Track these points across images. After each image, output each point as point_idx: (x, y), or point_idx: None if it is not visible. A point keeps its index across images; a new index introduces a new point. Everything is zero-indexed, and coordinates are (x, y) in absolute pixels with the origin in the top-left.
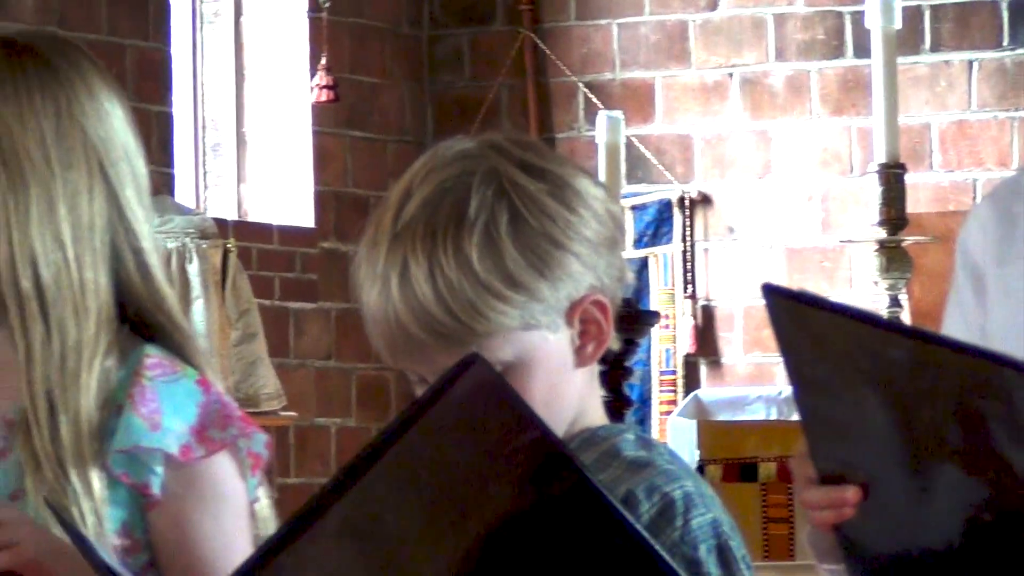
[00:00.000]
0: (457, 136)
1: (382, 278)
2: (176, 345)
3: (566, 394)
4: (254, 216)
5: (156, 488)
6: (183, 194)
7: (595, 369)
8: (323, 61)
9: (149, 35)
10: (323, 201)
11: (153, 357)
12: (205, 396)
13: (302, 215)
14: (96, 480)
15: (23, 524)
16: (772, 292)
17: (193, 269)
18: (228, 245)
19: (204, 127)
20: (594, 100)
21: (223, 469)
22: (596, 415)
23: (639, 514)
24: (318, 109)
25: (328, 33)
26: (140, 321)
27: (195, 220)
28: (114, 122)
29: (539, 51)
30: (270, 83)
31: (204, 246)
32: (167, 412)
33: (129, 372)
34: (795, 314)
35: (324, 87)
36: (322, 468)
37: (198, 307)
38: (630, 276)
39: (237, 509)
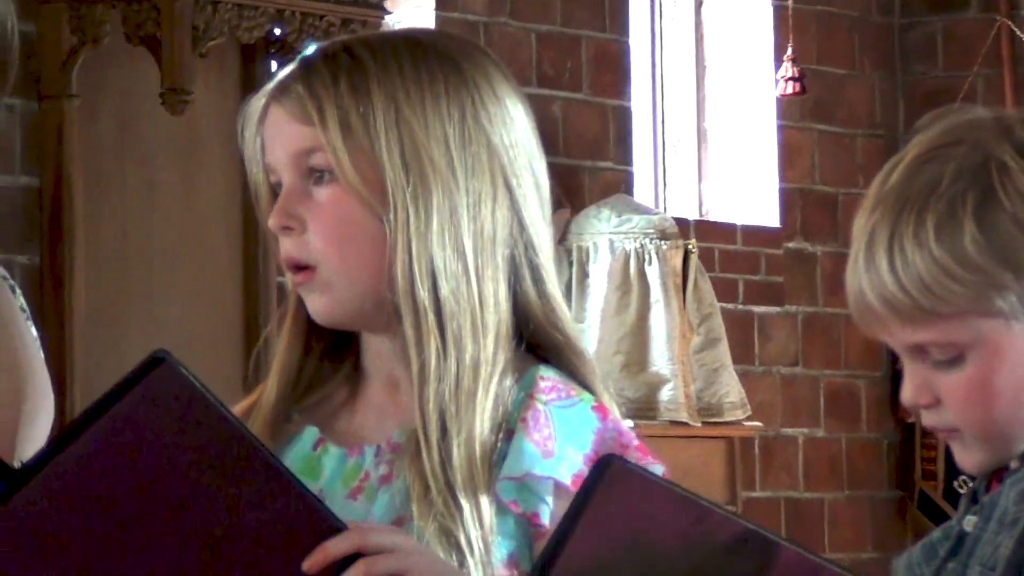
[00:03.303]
0: (975, 106)
1: (855, 246)
2: (571, 368)
3: None
4: (716, 215)
5: (546, 518)
6: (642, 192)
7: None
8: (788, 51)
9: (606, 26)
10: (788, 199)
11: (548, 380)
12: (602, 423)
13: (767, 214)
14: (486, 508)
15: (415, 553)
16: None
17: (653, 271)
18: (689, 246)
19: (663, 122)
20: None
21: None
22: None
23: None
24: (783, 102)
25: (794, 22)
26: (534, 341)
27: (655, 220)
28: (518, 128)
29: (1016, 39)
30: (732, 75)
31: (664, 247)
32: (561, 439)
33: (523, 394)
34: None
35: (790, 79)
36: (789, 480)
37: (657, 311)
38: None
39: None
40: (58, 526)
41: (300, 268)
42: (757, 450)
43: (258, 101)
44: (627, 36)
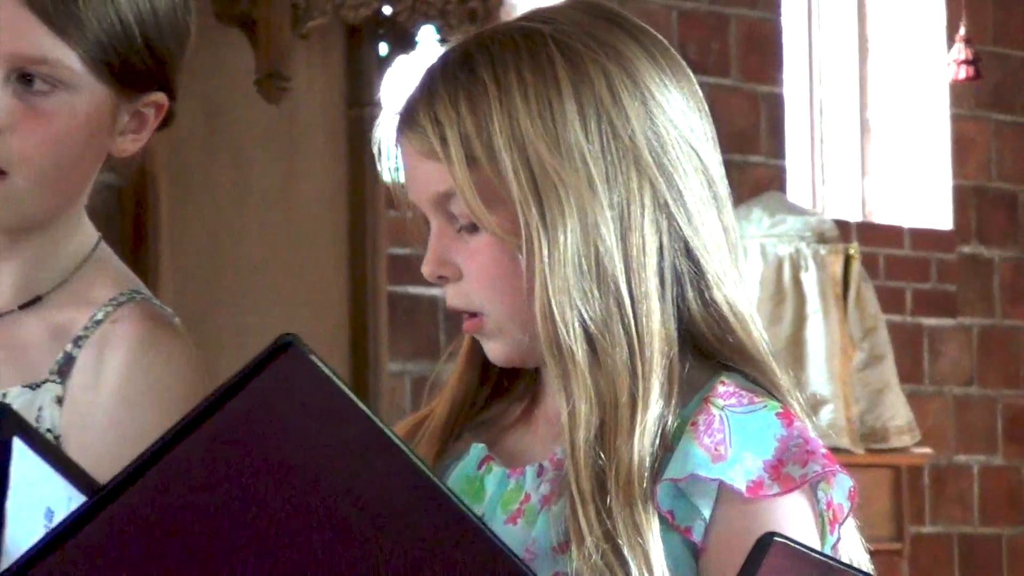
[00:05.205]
0: None
1: None
2: (752, 377)
3: None
4: (880, 217)
5: (698, 535)
6: (796, 191)
7: None
8: (961, 31)
9: (757, 3)
10: (962, 198)
11: (728, 385)
12: (786, 430)
13: (937, 215)
14: (645, 525)
15: None
16: None
17: (809, 279)
18: (850, 251)
19: (821, 111)
20: None
21: (796, 511)
22: None
23: None
24: (956, 88)
25: None
26: (707, 352)
27: (811, 221)
28: (670, 110)
29: None
30: (898, 59)
31: (822, 252)
32: (737, 444)
33: (697, 401)
34: None
35: (963, 62)
36: (962, 514)
37: (814, 324)
38: None
39: None
40: (166, 529)
41: (467, 314)
42: (927, 480)
43: (389, 123)
44: (780, 14)
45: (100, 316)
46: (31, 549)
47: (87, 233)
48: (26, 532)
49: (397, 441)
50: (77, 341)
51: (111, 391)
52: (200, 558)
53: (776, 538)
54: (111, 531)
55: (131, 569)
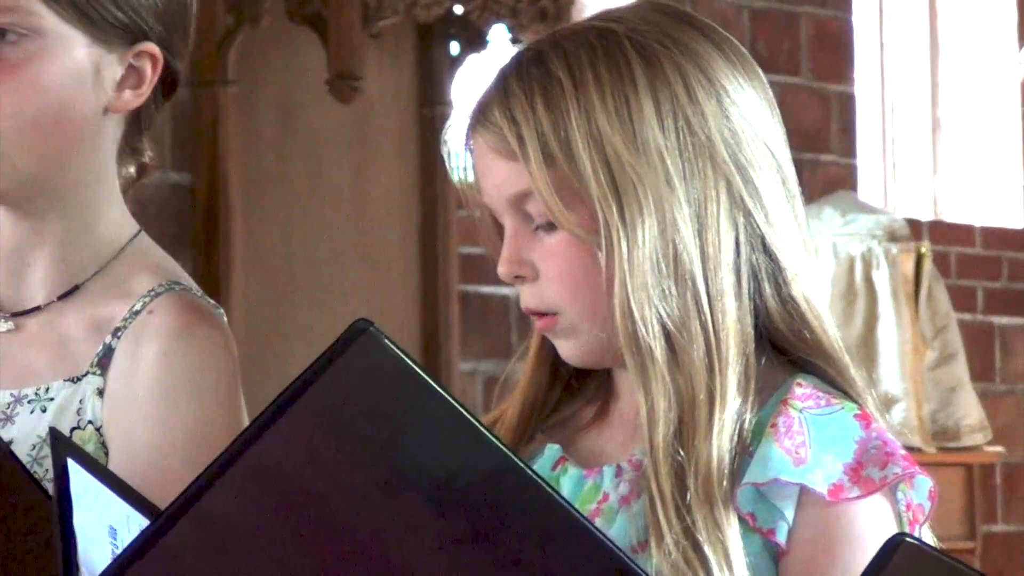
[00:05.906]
0: None
1: None
2: (829, 377)
3: None
4: (951, 215)
5: (782, 537)
6: (868, 189)
7: None
8: None
9: (827, 2)
10: None
11: (805, 387)
12: (865, 432)
13: (1009, 213)
14: (725, 522)
15: None
16: None
17: (880, 277)
18: (922, 249)
19: (892, 110)
20: None
21: (877, 513)
22: None
23: None
24: None
25: None
26: (783, 349)
27: (882, 220)
28: (745, 108)
29: None
30: (970, 57)
31: (893, 251)
32: (817, 447)
33: (775, 402)
34: None
35: None
36: None
37: (886, 322)
38: None
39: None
40: (250, 526)
41: (541, 314)
42: (999, 479)
43: (460, 124)
44: (850, 12)
45: (138, 307)
46: (130, 545)
47: (123, 220)
48: (94, 550)
49: (478, 424)
50: (116, 332)
51: (147, 382)
52: (288, 549)
53: (906, 539)
54: (199, 528)
55: (220, 564)
